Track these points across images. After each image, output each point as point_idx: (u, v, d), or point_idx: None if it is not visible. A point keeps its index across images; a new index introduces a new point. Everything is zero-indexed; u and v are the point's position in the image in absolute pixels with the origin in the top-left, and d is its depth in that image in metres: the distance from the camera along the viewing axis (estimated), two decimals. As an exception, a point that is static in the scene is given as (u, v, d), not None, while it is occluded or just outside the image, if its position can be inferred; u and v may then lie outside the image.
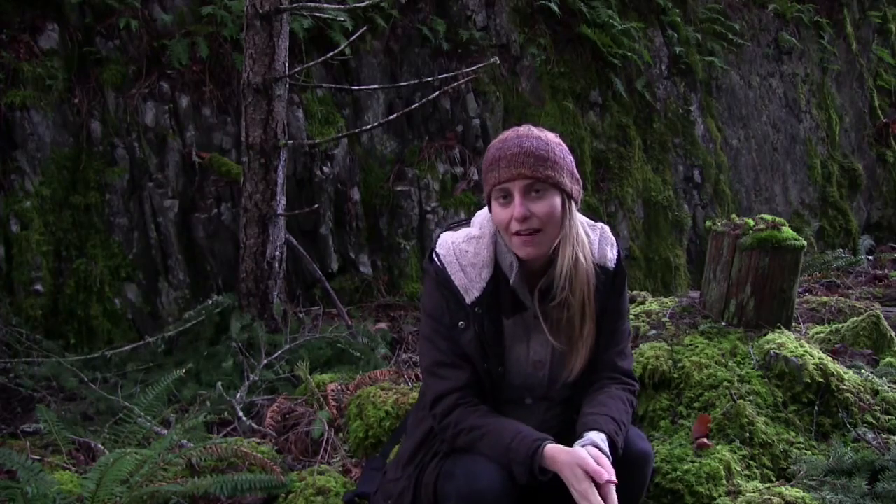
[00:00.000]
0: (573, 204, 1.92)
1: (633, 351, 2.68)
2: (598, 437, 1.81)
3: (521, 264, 1.92)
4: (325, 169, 4.75)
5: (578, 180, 1.94)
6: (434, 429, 1.97)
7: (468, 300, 1.91)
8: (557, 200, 1.87)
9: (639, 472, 1.91)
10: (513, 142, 1.88)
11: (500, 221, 1.89)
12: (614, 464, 1.78)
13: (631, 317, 3.04)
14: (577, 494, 1.71)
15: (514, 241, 1.88)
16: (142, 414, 2.76)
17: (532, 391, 1.99)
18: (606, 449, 1.79)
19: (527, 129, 1.92)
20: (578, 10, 5.69)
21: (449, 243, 1.97)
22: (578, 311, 1.92)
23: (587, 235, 1.98)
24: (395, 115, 4.58)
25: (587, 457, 1.73)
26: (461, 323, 1.91)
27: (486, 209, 2.00)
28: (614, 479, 1.71)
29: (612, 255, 2.01)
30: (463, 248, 1.95)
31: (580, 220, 1.98)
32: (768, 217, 2.87)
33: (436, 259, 1.96)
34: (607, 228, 2.05)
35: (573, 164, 1.93)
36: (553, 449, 1.77)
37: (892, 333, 3.05)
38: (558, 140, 1.93)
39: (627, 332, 2.08)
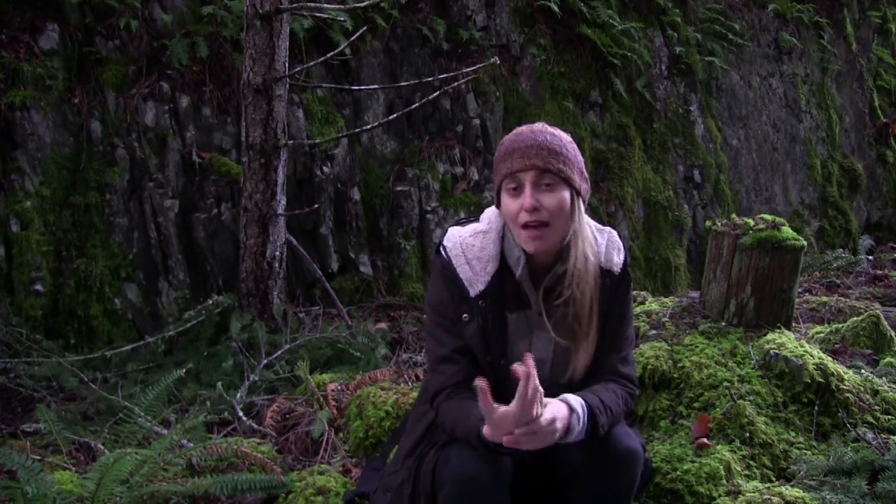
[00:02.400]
0: (581, 202, 1.94)
1: (633, 351, 2.68)
2: (575, 400, 1.80)
3: (527, 260, 1.94)
4: (325, 169, 4.75)
5: (587, 180, 1.97)
6: (435, 423, 2.00)
7: (472, 293, 1.93)
8: (567, 195, 1.89)
9: (625, 468, 1.91)
10: (526, 135, 1.91)
11: (509, 213, 1.91)
12: (605, 460, 1.80)
13: (631, 317, 3.04)
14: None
15: (522, 235, 1.89)
16: (142, 414, 2.77)
17: None
18: (579, 411, 1.78)
19: (541, 126, 1.95)
20: (578, 10, 5.69)
21: (456, 237, 2.00)
22: (586, 310, 1.93)
23: (595, 238, 2.00)
24: (395, 115, 4.58)
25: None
26: (465, 315, 1.93)
27: (494, 207, 2.02)
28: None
29: (618, 259, 2.02)
30: (469, 241, 1.98)
31: (588, 222, 2.00)
32: (768, 217, 2.87)
33: (443, 252, 1.99)
34: (615, 233, 2.07)
35: (583, 164, 1.96)
36: None
37: (892, 333, 3.05)
38: (570, 139, 1.96)
39: (630, 339, 2.08)
